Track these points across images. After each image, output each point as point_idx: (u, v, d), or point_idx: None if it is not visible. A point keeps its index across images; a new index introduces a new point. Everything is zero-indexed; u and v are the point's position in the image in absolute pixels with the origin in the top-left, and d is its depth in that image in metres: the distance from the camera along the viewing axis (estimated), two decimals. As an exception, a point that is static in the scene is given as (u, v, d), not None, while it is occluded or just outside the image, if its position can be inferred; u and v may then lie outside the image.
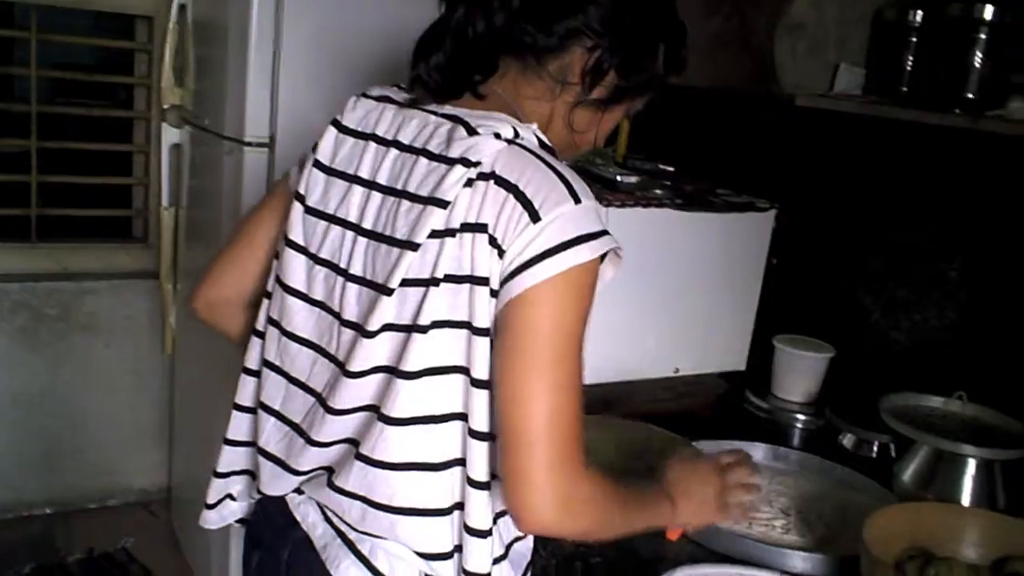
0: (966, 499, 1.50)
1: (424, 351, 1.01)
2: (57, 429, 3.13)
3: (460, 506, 1.05)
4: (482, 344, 1.00)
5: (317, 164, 1.15)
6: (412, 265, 1.01)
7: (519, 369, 0.97)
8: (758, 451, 1.69)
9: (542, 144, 1.05)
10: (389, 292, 1.02)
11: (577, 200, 0.98)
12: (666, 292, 1.82)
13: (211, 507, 1.29)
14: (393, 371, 1.03)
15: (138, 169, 3.19)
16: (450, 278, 1.00)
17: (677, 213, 1.75)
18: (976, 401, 1.63)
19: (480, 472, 1.02)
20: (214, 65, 2.51)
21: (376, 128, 1.12)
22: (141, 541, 3.04)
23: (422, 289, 1.00)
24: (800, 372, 1.85)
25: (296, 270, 1.14)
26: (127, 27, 3.13)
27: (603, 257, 0.99)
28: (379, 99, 1.15)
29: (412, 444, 1.04)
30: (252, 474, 1.25)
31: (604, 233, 0.98)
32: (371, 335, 1.04)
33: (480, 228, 0.98)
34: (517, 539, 1.13)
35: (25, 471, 3.10)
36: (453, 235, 0.99)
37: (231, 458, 1.26)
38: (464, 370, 1.02)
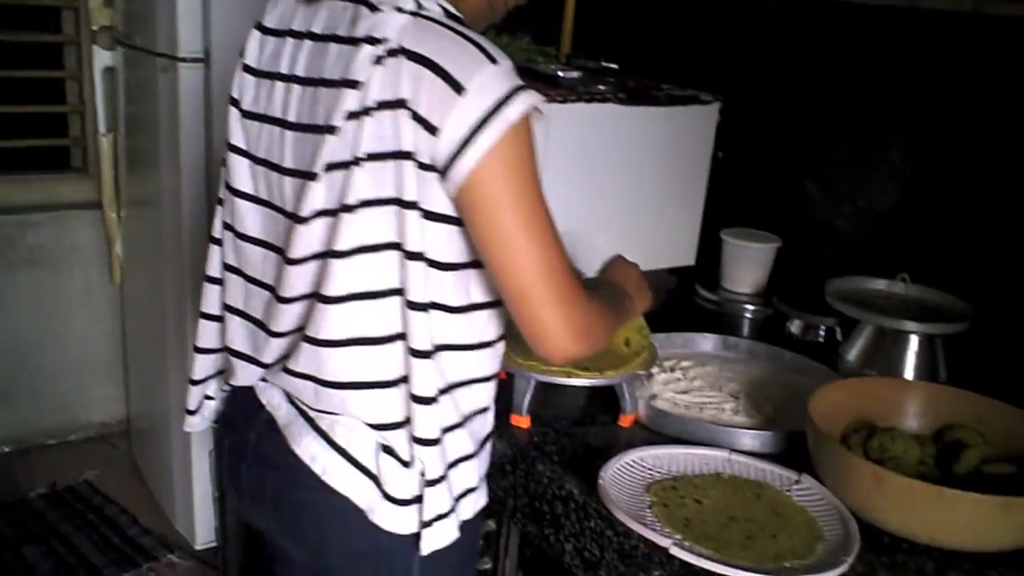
0: (910, 374, 1.54)
1: (354, 230, 1.03)
2: (9, 366, 3.09)
3: (404, 378, 1.08)
4: (412, 217, 1.01)
5: (245, 68, 1.18)
6: (334, 149, 1.02)
7: (497, 240, 1.01)
8: (708, 342, 1.72)
9: (449, 14, 1.05)
10: (314, 177, 1.04)
11: (493, 60, 0.98)
12: (614, 190, 1.82)
13: (192, 412, 1.33)
14: (328, 253, 1.06)
15: (71, 96, 3.09)
16: (373, 156, 1.01)
17: (620, 108, 1.73)
18: (919, 282, 1.66)
19: (421, 342, 1.06)
20: (142, -20, 2.43)
21: (292, 23, 1.13)
22: (103, 473, 3.05)
23: (346, 171, 1.02)
24: (748, 264, 1.87)
25: (241, 173, 1.18)
26: (49, -52, 3.00)
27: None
28: None
29: (352, 320, 1.07)
30: (224, 373, 1.30)
31: (523, 88, 0.99)
32: (304, 221, 1.07)
33: (399, 104, 0.98)
34: (478, 412, 1.18)
35: (-20, 409, 3.07)
36: (370, 114, 0.99)
37: (203, 365, 1.30)
38: (396, 245, 1.04)
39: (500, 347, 1.18)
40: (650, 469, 1.28)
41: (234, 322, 1.23)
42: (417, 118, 0.98)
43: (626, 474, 1.26)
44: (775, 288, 1.86)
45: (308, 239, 1.07)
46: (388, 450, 1.10)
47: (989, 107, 1.64)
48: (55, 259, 3.10)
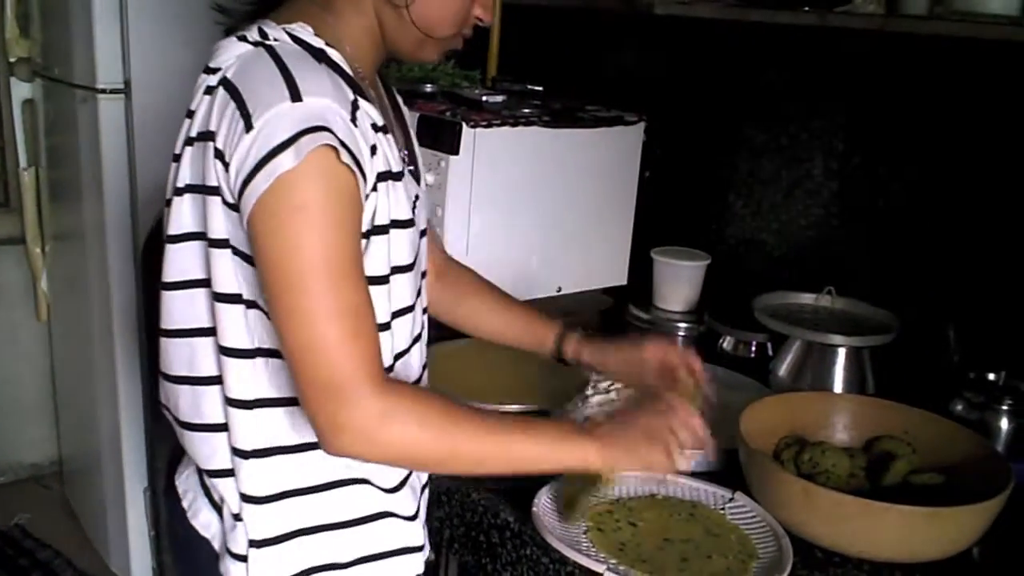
0: (839, 387, 1.56)
1: (173, 262, 1.00)
2: (-66, 410, 3.00)
3: (224, 427, 1.01)
4: (220, 256, 0.95)
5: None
6: (174, 175, 1.00)
7: (267, 295, 0.91)
8: (642, 361, 1.72)
9: (304, 44, 0.96)
10: (168, 203, 1.01)
11: (296, 98, 0.89)
12: (543, 212, 1.82)
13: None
14: (160, 281, 1.03)
15: (-9, 130, 3.01)
16: (191, 188, 0.97)
17: (545, 131, 1.73)
18: (844, 295, 1.68)
19: (238, 391, 0.98)
20: (59, 10, 2.38)
21: None
22: (36, 516, 2.97)
23: (173, 199, 0.99)
24: (679, 281, 1.88)
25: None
26: (-38, -22, 2.93)
27: (348, 165, 0.90)
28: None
29: (180, 357, 1.03)
30: None
31: (313, 130, 0.87)
32: (170, 241, 1.02)
33: (210, 136, 0.93)
34: (346, 482, 1.06)
35: (-96, 454, 2.97)
36: (192, 144, 0.97)
37: None
38: (206, 283, 0.98)
39: None
40: (585, 494, 1.27)
41: None
42: (216, 152, 0.92)
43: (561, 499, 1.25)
44: (706, 305, 1.87)
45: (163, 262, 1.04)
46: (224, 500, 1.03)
47: (904, 121, 1.68)
48: (-22, 297, 3.01)
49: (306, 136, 0.87)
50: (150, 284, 2.27)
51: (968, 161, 1.60)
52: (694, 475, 1.32)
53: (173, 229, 0.99)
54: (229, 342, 0.97)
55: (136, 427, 2.43)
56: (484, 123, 1.66)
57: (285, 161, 0.87)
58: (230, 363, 0.98)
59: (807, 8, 1.55)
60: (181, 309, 1.01)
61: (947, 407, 1.43)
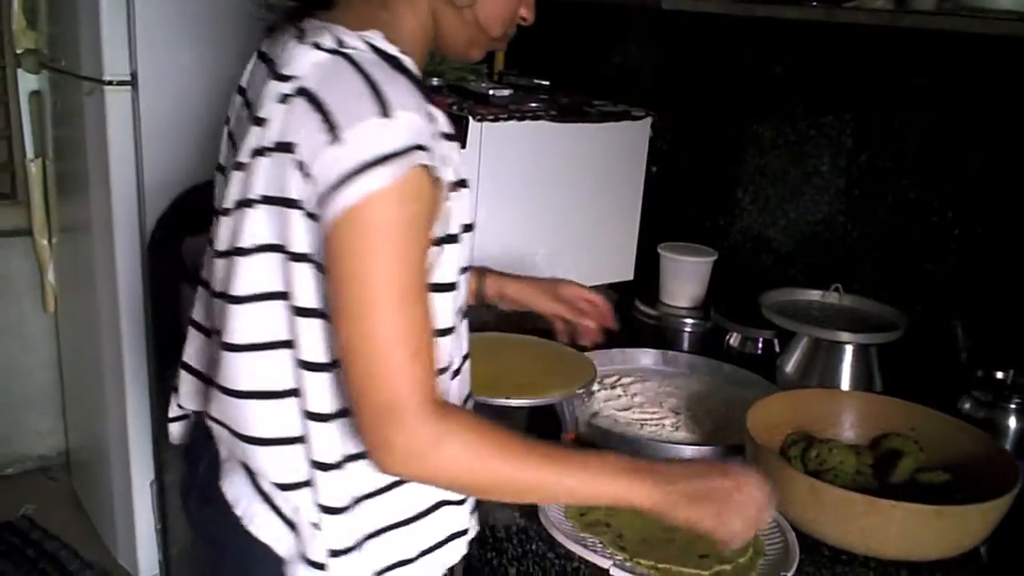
0: (846, 384, 1.55)
1: (246, 275, 0.97)
2: (-58, 400, 3.00)
3: (301, 439, 1.01)
4: (300, 270, 0.94)
5: (239, 88, 1.11)
6: (239, 186, 0.97)
7: (335, 307, 0.91)
8: (648, 357, 1.72)
9: (381, 53, 0.94)
10: (226, 212, 0.99)
11: (385, 112, 0.87)
12: (550, 207, 1.82)
13: (172, 420, 1.25)
14: (224, 296, 1.00)
15: (-2, 121, 3.02)
16: (268, 199, 0.94)
17: (552, 125, 1.73)
18: (851, 292, 1.68)
19: (318, 404, 0.97)
20: (66, 3, 2.37)
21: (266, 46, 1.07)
22: (43, 507, 2.96)
23: (243, 211, 0.96)
24: (685, 277, 1.88)
25: (219, 190, 1.10)
26: (-30, -31, 2.93)
27: (435, 179, 0.90)
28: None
29: (250, 371, 1.00)
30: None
31: (415, 149, 0.87)
32: (220, 256, 1.01)
33: (289, 148, 0.91)
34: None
35: (-87, 446, 2.98)
36: (266, 154, 0.93)
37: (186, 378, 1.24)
38: (284, 295, 0.97)
39: None
40: (591, 490, 1.27)
41: (191, 334, 1.16)
42: (300, 164, 0.90)
43: (567, 496, 1.25)
44: (713, 301, 1.87)
45: (217, 275, 1.02)
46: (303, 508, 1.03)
47: (912, 117, 1.68)
48: (-15, 289, 3.02)
49: (401, 156, 0.86)
50: (157, 276, 2.28)
51: (976, 157, 1.59)
52: (700, 471, 1.32)
53: (244, 241, 0.96)
54: (309, 356, 0.96)
55: (143, 419, 2.43)
56: (491, 117, 1.66)
57: (377, 179, 0.85)
58: (310, 377, 0.97)
59: (815, 3, 1.54)
60: (255, 323, 0.98)
61: (955, 405, 1.43)
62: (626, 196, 1.91)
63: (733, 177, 1.99)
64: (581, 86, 1.99)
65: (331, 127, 0.87)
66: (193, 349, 1.17)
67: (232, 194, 0.98)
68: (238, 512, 1.05)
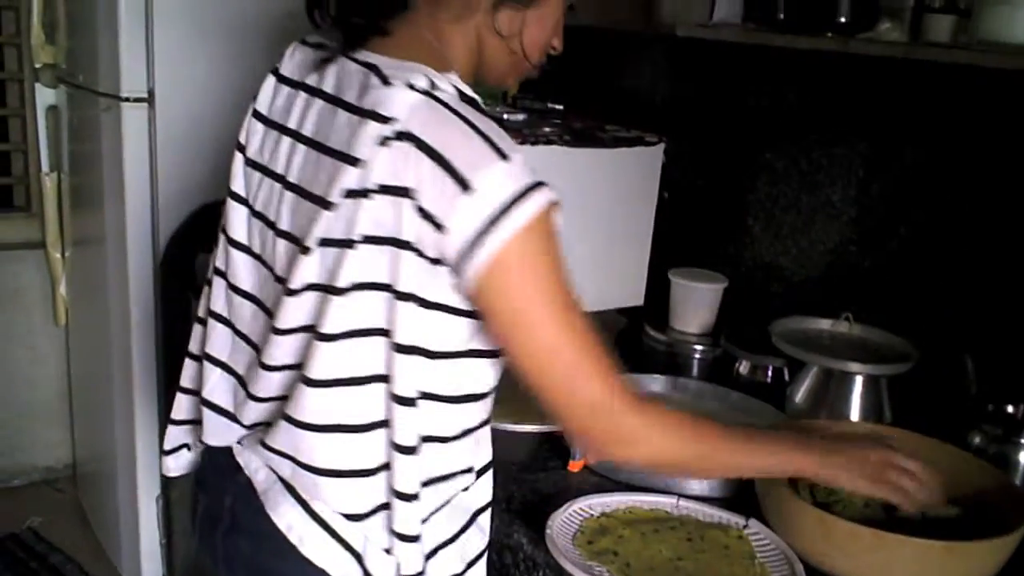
0: (855, 415, 1.55)
1: (343, 313, 0.98)
2: (-49, 410, 3.01)
3: (385, 467, 1.03)
4: (405, 308, 0.96)
5: (256, 114, 1.13)
6: (329, 224, 0.97)
7: (516, 340, 0.97)
8: (657, 383, 1.72)
9: (463, 96, 0.99)
10: (307, 251, 0.99)
11: (504, 156, 0.93)
12: (562, 231, 1.82)
13: (167, 453, 1.28)
14: (313, 331, 1.00)
15: (14, 134, 3.04)
16: (369, 239, 0.95)
17: (565, 150, 1.74)
18: (862, 321, 1.68)
19: (405, 437, 1.00)
20: (85, 19, 2.40)
21: (307, 77, 1.08)
22: (48, 519, 2.97)
23: (339, 250, 0.97)
24: (695, 304, 1.88)
25: (238, 222, 1.13)
26: (-9, -16, 2.96)
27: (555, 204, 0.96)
28: (315, 46, 1.11)
29: (333, 406, 1.02)
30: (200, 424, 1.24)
31: (538, 185, 0.93)
32: (294, 293, 1.02)
33: (402, 192, 0.93)
34: (462, 490, 1.12)
35: (-81, 455, 2.99)
36: (369, 196, 0.94)
37: (185, 406, 1.25)
38: (384, 332, 0.98)
39: (485, 432, 1.13)
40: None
41: (215, 374, 1.16)
42: (421, 211, 0.93)
43: (574, 523, 1.25)
44: (722, 327, 1.87)
45: (296, 311, 1.02)
46: (370, 535, 1.05)
47: (925, 149, 1.68)
48: (-2, 300, 3.03)
49: (535, 190, 0.92)
50: (169, 292, 2.29)
51: (989, 191, 1.59)
52: (709, 500, 1.32)
53: (341, 280, 0.96)
54: (403, 391, 0.99)
55: (151, 434, 2.44)
56: (505, 142, 1.67)
57: (517, 219, 0.91)
58: (401, 410, 0.99)
59: (829, 34, 1.55)
60: (350, 359, 0.99)
61: (965, 439, 1.42)
62: (638, 221, 1.92)
63: (745, 204, 1.99)
64: (594, 111, 1.99)
65: (457, 177, 0.91)
66: (217, 386, 1.16)
67: (317, 231, 0.98)
68: (293, 539, 1.05)
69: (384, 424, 1.01)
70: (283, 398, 1.08)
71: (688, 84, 2.10)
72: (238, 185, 1.14)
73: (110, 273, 2.45)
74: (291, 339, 1.04)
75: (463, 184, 0.91)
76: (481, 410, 1.10)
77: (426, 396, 1.01)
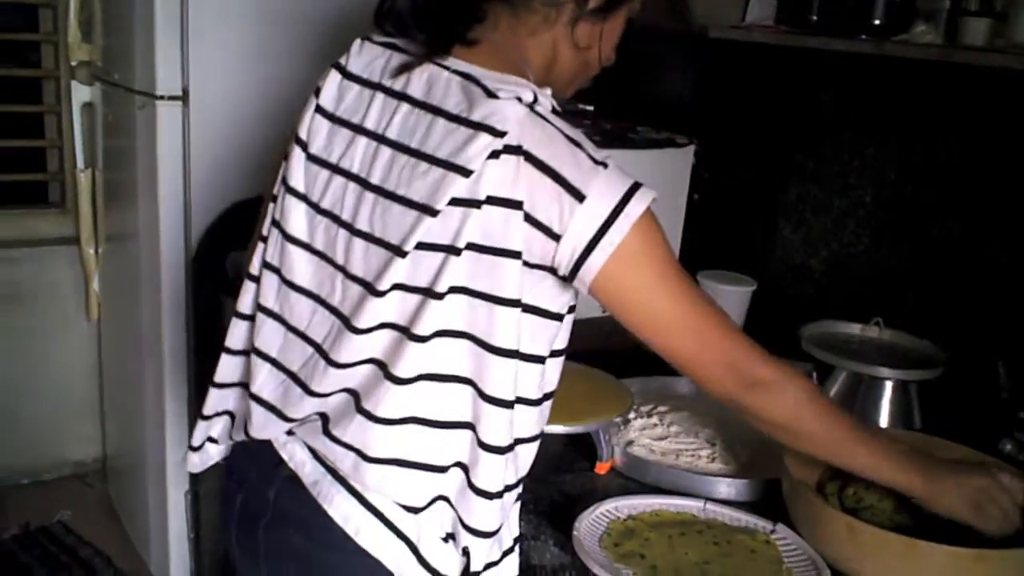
0: (885, 420, 1.54)
1: (438, 316, 1.01)
2: (-15, 403, 3.05)
3: (459, 466, 1.06)
4: (504, 314, 1.00)
5: (320, 110, 1.13)
6: (431, 230, 1.00)
7: (647, 329, 1.06)
8: (685, 386, 1.71)
9: (554, 110, 1.04)
10: (403, 254, 1.01)
11: (604, 165, 1.00)
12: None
13: (195, 449, 1.27)
14: (403, 331, 1.03)
15: (50, 131, 3.08)
16: (473, 247, 0.99)
17: (596, 151, 1.74)
18: (892, 326, 1.67)
19: (495, 437, 1.04)
20: (121, 17, 2.43)
21: (383, 78, 1.09)
22: (78, 513, 2.99)
23: (440, 255, 1.00)
24: (724, 306, 1.84)
25: (297, 218, 1.13)
26: (29, -17, 3.00)
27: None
28: (385, 46, 1.12)
29: (416, 400, 1.04)
30: (232, 416, 1.24)
31: (638, 185, 1.01)
32: (381, 294, 1.03)
33: (513, 204, 0.98)
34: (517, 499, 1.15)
35: (-47, 448, 3.03)
36: (478, 206, 0.98)
37: (217, 400, 1.25)
38: (474, 337, 1.02)
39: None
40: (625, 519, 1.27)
41: (264, 369, 1.16)
42: (532, 221, 0.98)
43: (602, 524, 1.25)
44: (751, 330, 1.85)
45: (380, 311, 1.04)
46: (427, 525, 1.07)
47: (959, 152, 1.66)
48: (32, 295, 3.06)
49: (638, 189, 1.00)
50: (201, 289, 2.31)
51: (1022, 194, 1.58)
52: (736, 504, 1.31)
53: (441, 285, 0.99)
54: (496, 392, 1.02)
55: (180, 429, 2.46)
56: (535, 143, 1.67)
57: (631, 213, 0.98)
58: (493, 411, 1.03)
59: (864, 36, 1.54)
60: (438, 358, 1.02)
61: (996, 445, 1.41)
62: (667, 223, 1.88)
63: (775, 206, 1.98)
64: (625, 112, 1.99)
65: (572, 190, 0.97)
66: (265, 383, 1.16)
67: (416, 235, 1.00)
68: (350, 530, 1.07)
69: (466, 425, 1.04)
70: (349, 391, 1.08)
71: (719, 85, 2.09)
72: (297, 181, 1.13)
73: (143, 269, 2.47)
74: (371, 336, 1.05)
75: (576, 195, 0.97)
76: (547, 410, 1.14)
77: (520, 400, 1.05)
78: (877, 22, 1.53)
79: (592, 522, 1.24)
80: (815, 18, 1.61)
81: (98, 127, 2.79)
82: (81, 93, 2.82)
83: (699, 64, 2.13)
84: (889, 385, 1.53)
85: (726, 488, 1.35)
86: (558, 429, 1.39)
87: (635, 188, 1.00)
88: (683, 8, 1.80)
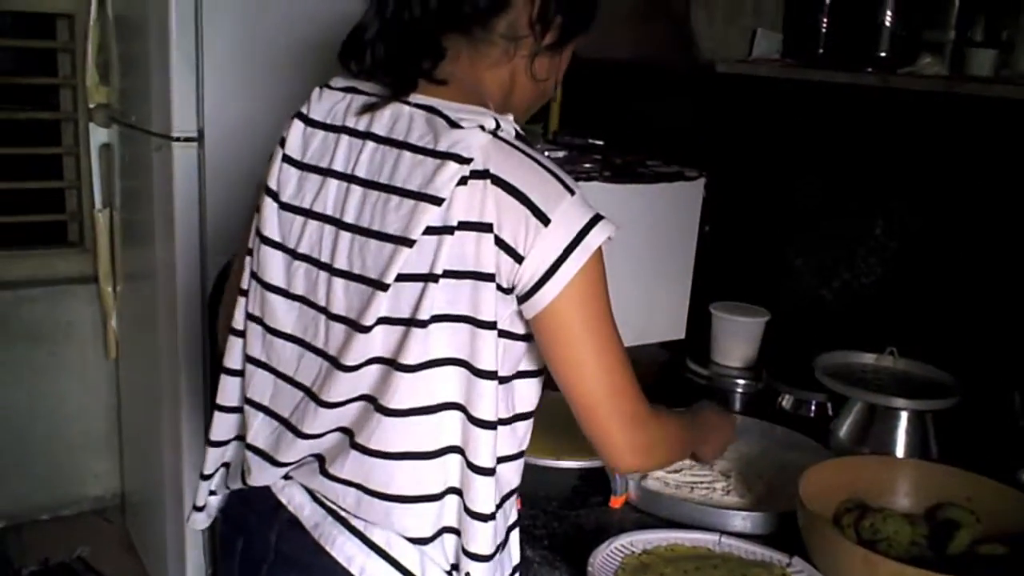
0: (900, 451, 1.53)
1: (424, 345, 1.02)
2: (4, 441, 3.07)
3: (453, 491, 1.08)
4: (486, 337, 1.02)
5: (287, 159, 1.15)
6: (408, 260, 1.02)
7: (569, 360, 1.05)
8: (699, 417, 1.71)
9: (518, 135, 1.07)
10: (384, 288, 1.02)
11: (571, 191, 1.02)
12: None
13: (200, 509, 1.29)
14: (391, 363, 1.04)
15: (68, 172, 3.13)
16: (450, 273, 1.01)
17: (606, 186, 1.75)
18: (907, 356, 1.66)
19: (484, 458, 1.05)
20: (138, 61, 2.47)
21: (346, 120, 1.11)
22: (97, 548, 3.01)
23: (419, 284, 1.02)
24: (737, 337, 1.87)
25: (274, 267, 1.14)
26: (48, 27, 3.06)
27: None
28: (345, 90, 1.14)
29: (409, 433, 1.06)
30: (227, 466, 1.25)
31: (600, 217, 1.03)
32: (366, 330, 1.04)
33: (484, 228, 1.00)
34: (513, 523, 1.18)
35: (-27, 486, 3.05)
36: (451, 232, 1.00)
37: (215, 458, 1.25)
38: (463, 362, 1.04)
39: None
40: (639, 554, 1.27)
41: (257, 418, 1.17)
42: (501, 244, 1.00)
43: (616, 559, 1.25)
44: (765, 361, 1.86)
45: (367, 346, 1.05)
46: (429, 559, 1.09)
47: (968, 183, 1.67)
48: (51, 334, 3.09)
49: (600, 220, 1.03)
50: (217, 327, 2.32)
51: (1035, 223, 1.58)
52: (752, 538, 1.31)
53: (423, 313, 1.01)
54: (482, 414, 1.04)
55: (198, 466, 2.47)
56: (546, 179, 1.68)
57: (592, 242, 1.01)
58: (481, 434, 1.05)
59: (870, 69, 1.55)
60: (429, 388, 1.04)
61: (1013, 475, 1.40)
62: (679, 255, 1.92)
63: (786, 238, 1.99)
64: (635, 146, 2.01)
65: (536, 212, 1.00)
66: (259, 431, 1.16)
67: (395, 268, 1.02)
68: (354, 570, 1.08)
69: (455, 449, 1.06)
70: (342, 430, 1.09)
71: (728, 119, 2.11)
72: (271, 230, 1.14)
73: (160, 307, 2.50)
74: (360, 373, 1.06)
75: (542, 218, 1.00)
76: (530, 430, 1.16)
77: (501, 421, 1.08)
78: (883, 54, 1.54)
79: (607, 557, 1.24)
80: (821, 51, 1.62)
81: (115, 168, 2.83)
82: (99, 135, 2.87)
83: (708, 98, 2.15)
84: (904, 415, 1.52)
85: (741, 521, 1.35)
86: (571, 464, 1.40)
87: (596, 219, 1.03)
88: (690, 44, 1.81)
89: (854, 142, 1.85)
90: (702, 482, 1.49)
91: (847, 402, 1.59)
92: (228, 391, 1.22)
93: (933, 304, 1.74)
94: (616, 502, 1.42)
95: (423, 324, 1.01)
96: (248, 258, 1.18)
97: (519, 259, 1.00)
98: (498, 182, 1.00)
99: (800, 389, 1.75)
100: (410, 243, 1.01)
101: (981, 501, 1.31)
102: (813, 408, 1.75)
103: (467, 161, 1.00)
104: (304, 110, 1.16)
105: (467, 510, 1.06)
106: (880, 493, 1.37)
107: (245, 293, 1.18)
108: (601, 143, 2.00)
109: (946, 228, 1.71)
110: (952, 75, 1.52)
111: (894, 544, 1.26)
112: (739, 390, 1.84)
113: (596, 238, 1.01)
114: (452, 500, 1.08)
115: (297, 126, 1.15)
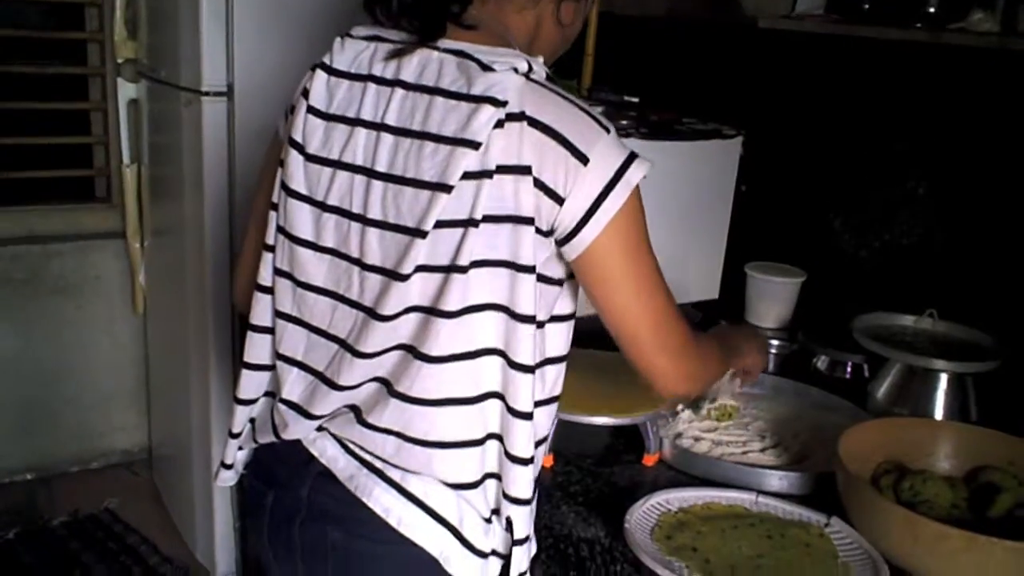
0: (939, 414, 1.52)
1: (464, 290, 1.02)
2: (33, 394, 3.10)
3: (493, 436, 1.09)
4: (526, 281, 1.02)
5: (311, 110, 1.12)
6: (447, 207, 1.00)
7: (614, 299, 1.06)
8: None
9: (549, 78, 1.06)
10: (423, 235, 1.01)
11: (607, 129, 1.03)
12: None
13: (228, 467, 1.28)
14: (430, 311, 1.03)
15: (96, 127, 3.12)
16: (489, 218, 1.00)
17: (642, 143, 1.72)
18: (946, 318, 1.64)
19: (523, 403, 1.06)
20: (167, 15, 2.45)
21: (372, 68, 1.09)
22: (125, 501, 3.04)
23: (459, 230, 1.01)
24: (772, 298, 1.85)
25: (302, 220, 1.12)
26: (76, -19, 3.04)
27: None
28: (368, 39, 1.12)
29: (450, 379, 1.06)
30: (253, 421, 1.25)
31: (636, 155, 1.04)
32: (404, 278, 1.03)
33: (522, 171, 1.00)
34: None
35: (3, 438, 3.08)
36: (490, 176, 0.99)
37: (243, 416, 1.25)
38: (502, 307, 1.04)
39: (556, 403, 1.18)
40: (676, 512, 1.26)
41: (292, 373, 1.16)
42: (541, 186, 1.00)
43: (652, 517, 1.24)
44: (800, 322, 1.84)
45: (406, 295, 1.04)
46: (468, 506, 1.09)
47: (1015, 142, 1.63)
48: (79, 288, 3.11)
49: (636, 157, 1.04)
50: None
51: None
52: (788, 497, 1.30)
53: (463, 259, 1.00)
54: (522, 359, 1.05)
55: (225, 420, 2.47)
56: (582, 134, 1.66)
57: (631, 179, 1.02)
58: (521, 378, 1.05)
59: (919, 25, 1.51)
60: (469, 333, 1.04)
61: (1055, 439, 1.38)
62: (714, 214, 1.89)
63: (825, 197, 1.96)
64: (671, 103, 1.98)
65: (578, 153, 1.00)
66: (294, 385, 1.16)
67: (434, 214, 1.00)
68: (392, 521, 1.08)
69: (495, 395, 1.07)
70: (378, 379, 1.09)
71: (768, 76, 2.07)
72: (298, 183, 1.12)
73: (188, 261, 2.50)
74: (398, 322, 1.05)
75: (581, 158, 1.00)
76: (561, 376, 1.16)
77: (540, 363, 1.09)
78: (932, 10, 1.50)
79: (643, 515, 1.23)
80: (867, 6, 1.58)
81: (143, 123, 2.83)
82: (127, 90, 2.86)
83: (748, 54, 2.11)
84: (944, 378, 1.50)
85: (778, 481, 1.34)
86: (605, 421, 1.39)
87: (632, 157, 1.03)
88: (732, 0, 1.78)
89: (898, 100, 1.81)
90: (736, 441, 1.48)
91: (885, 364, 1.57)
92: (256, 348, 1.21)
93: (974, 266, 1.71)
94: (650, 460, 1.42)
95: (463, 270, 1.01)
96: (273, 213, 1.16)
97: (560, 201, 1.00)
98: (535, 124, 0.99)
99: (836, 350, 1.73)
100: (448, 189, 1.00)
101: (1022, 465, 1.29)
102: (849, 370, 1.73)
103: (503, 104, 0.99)
104: (327, 60, 1.13)
105: (507, 454, 1.07)
106: (919, 456, 1.36)
107: (271, 249, 1.17)
108: (636, 100, 1.97)
109: (989, 189, 1.68)
110: (1004, 31, 1.48)
111: (934, 506, 1.24)
112: (773, 351, 1.82)
113: (635, 175, 1.02)
114: (493, 445, 1.09)
115: (320, 76, 1.13)
